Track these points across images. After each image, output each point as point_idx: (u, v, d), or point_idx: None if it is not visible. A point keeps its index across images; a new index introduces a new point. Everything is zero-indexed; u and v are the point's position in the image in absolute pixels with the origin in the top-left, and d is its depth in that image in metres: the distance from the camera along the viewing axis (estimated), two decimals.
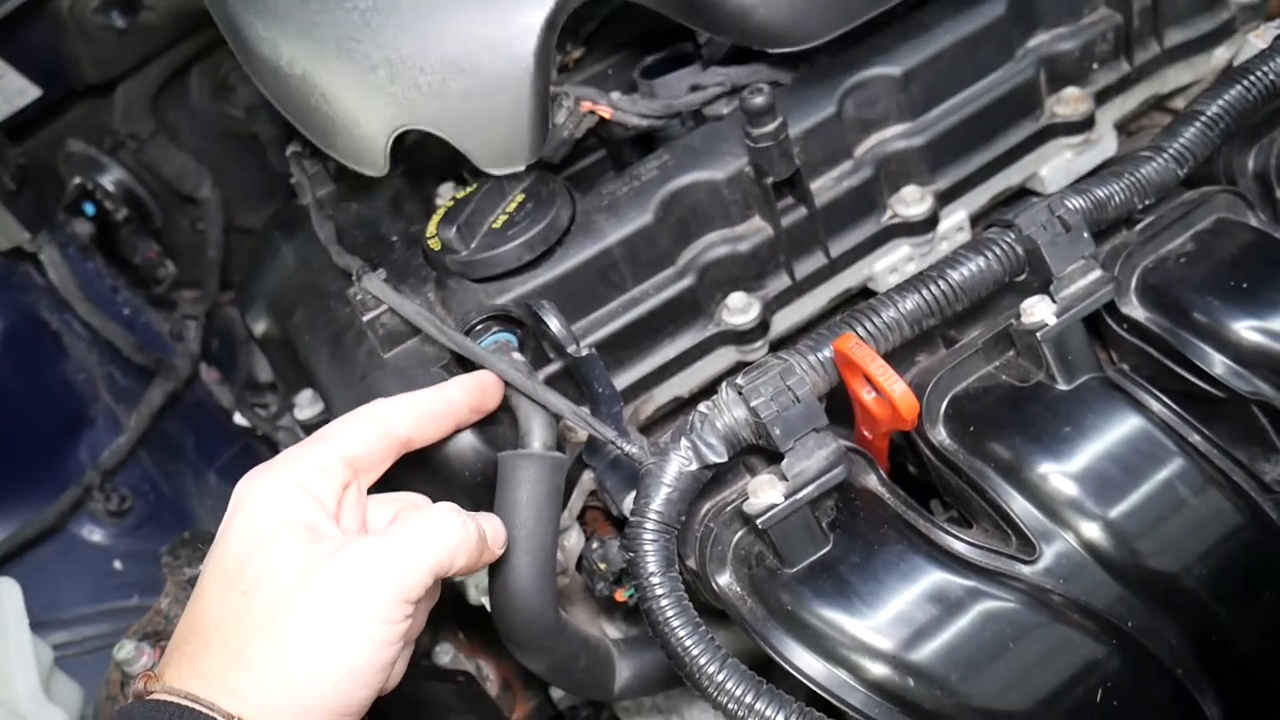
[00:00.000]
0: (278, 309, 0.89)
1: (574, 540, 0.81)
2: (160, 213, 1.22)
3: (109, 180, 1.14)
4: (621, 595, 0.77)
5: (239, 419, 1.10)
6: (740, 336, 0.85)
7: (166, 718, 0.57)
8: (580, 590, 0.84)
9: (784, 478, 0.67)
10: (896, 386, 0.64)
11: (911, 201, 0.87)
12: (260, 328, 0.91)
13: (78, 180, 1.08)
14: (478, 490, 0.74)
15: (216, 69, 1.34)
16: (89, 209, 1.08)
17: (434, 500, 0.72)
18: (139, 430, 1.02)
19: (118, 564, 1.00)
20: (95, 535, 1.00)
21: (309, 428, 0.91)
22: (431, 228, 0.83)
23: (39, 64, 1.13)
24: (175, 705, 0.57)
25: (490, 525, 0.69)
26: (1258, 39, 0.90)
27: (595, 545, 0.78)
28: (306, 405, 0.91)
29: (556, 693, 0.88)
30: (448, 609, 0.90)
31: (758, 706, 0.62)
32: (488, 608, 0.76)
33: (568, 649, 0.74)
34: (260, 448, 1.23)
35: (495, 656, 0.87)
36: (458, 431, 0.73)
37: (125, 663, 0.73)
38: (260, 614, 0.60)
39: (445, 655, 0.83)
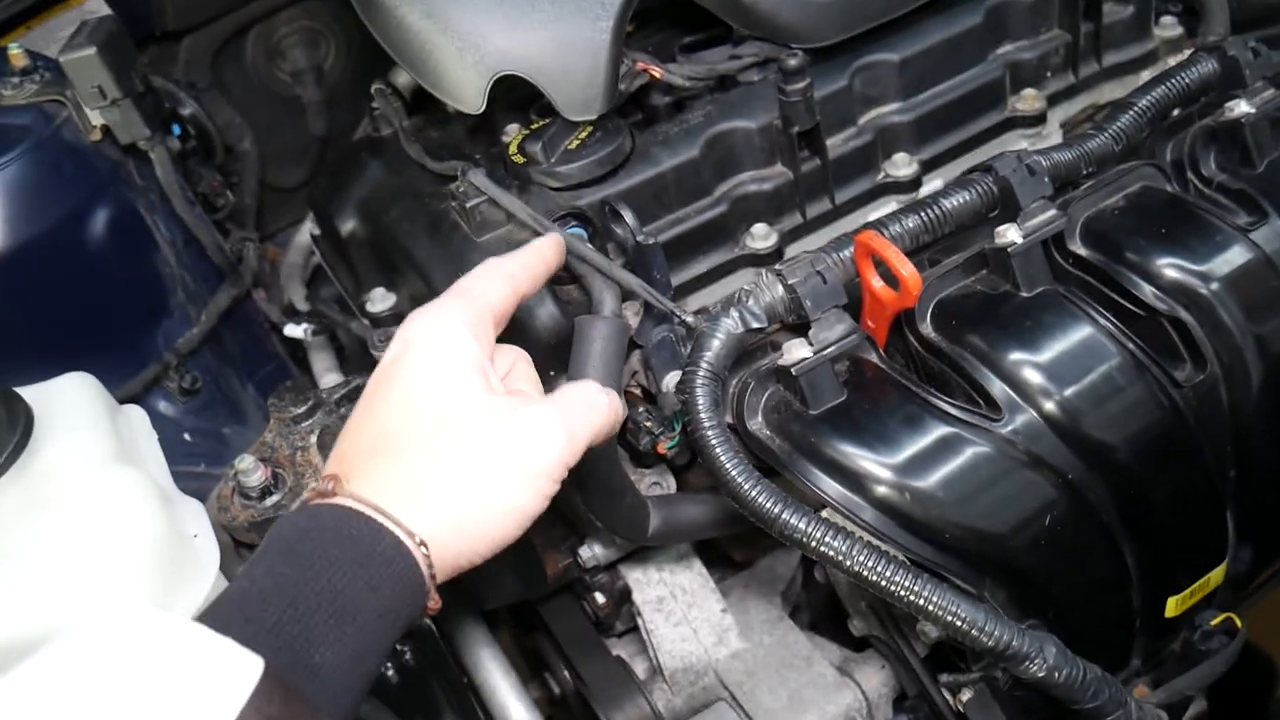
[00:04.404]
0: (370, 209, 1.04)
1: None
2: (221, 150, 1.35)
3: (185, 112, 1.27)
4: (663, 447, 0.92)
5: (290, 330, 1.23)
6: (759, 260, 1.02)
7: (358, 525, 0.63)
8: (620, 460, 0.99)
9: (811, 342, 0.84)
10: (907, 267, 0.82)
11: (901, 165, 1.07)
12: (348, 227, 1.05)
13: (166, 105, 1.21)
14: (554, 349, 0.89)
15: (272, 34, 1.48)
16: (176, 130, 1.21)
17: None
18: (209, 325, 1.14)
19: (187, 436, 1.11)
20: (169, 409, 1.10)
21: (378, 320, 1.05)
22: (514, 147, 0.99)
23: (128, 4, 1.25)
24: (364, 515, 0.63)
25: (618, 405, 0.77)
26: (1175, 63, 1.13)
27: (641, 408, 0.93)
28: (379, 300, 1.05)
29: (585, 553, 1.02)
30: None
31: (784, 516, 0.78)
32: None
33: (619, 484, 0.89)
34: (293, 367, 1.35)
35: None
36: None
37: (244, 472, 0.85)
38: (451, 445, 0.66)
39: None
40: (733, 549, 1.13)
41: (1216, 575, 0.94)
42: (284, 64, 1.50)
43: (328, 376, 1.27)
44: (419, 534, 0.64)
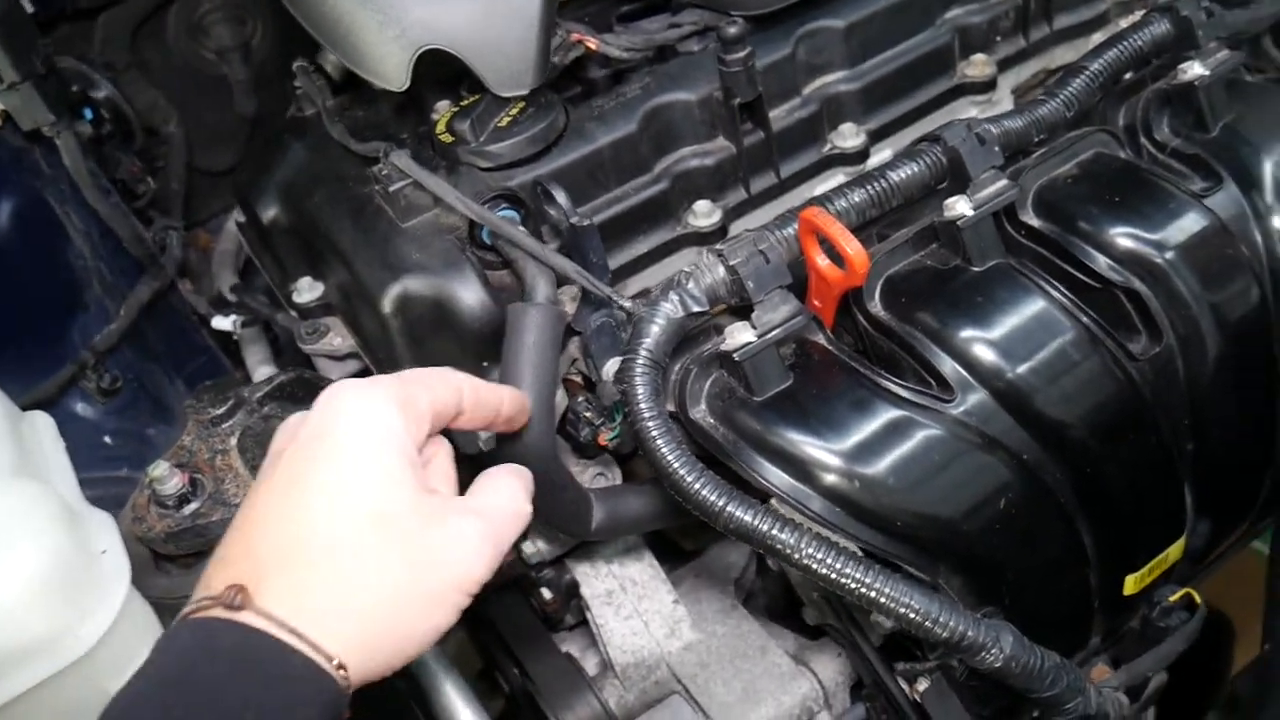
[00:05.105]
0: (292, 195, 0.98)
1: (559, 399, 0.92)
2: (141, 134, 1.29)
3: (99, 95, 1.20)
4: (604, 439, 0.88)
5: (218, 323, 1.17)
6: (703, 238, 0.98)
7: (267, 649, 0.56)
8: (562, 453, 0.95)
9: (754, 325, 0.80)
10: (853, 245, 0.78)
11: (848, 135, 1.03)
12: (270, 214, 1.00)
13: (75, 88, 1.14)
14: (486, 339, 0.85)
15: (194, 9, 1.41)
16: (88, 114, 1.14)
17: (447, 352, 0.82)
18: (128, 320, 1.08)
19: (108, 439, 1.05)
20: (88, 411, 1.04)
21: (306, 311, 1.00)
22: (441, 125, 0.94)
23: None
24: (276, 640, 0.56)
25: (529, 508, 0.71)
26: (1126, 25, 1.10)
27: (581, 398, 0.89)
28: (306, 290, 1.00)
29: (529, 548, 0.98)
30: None
31: (729, 509, 0.75)
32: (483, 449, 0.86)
33: (559, 479, 0.85)
34: (226, 360, 1.30)
35: None
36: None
37: (158, 480, 0.80)
38: (378, 556, 0.60)
39: None
40: (683, 538, 1.10)
41: (1175, 551, 0.92)
42: (208, 41, 1.43)
43: (262, 369, 1.21)
44: (338, 656, 0.58)
